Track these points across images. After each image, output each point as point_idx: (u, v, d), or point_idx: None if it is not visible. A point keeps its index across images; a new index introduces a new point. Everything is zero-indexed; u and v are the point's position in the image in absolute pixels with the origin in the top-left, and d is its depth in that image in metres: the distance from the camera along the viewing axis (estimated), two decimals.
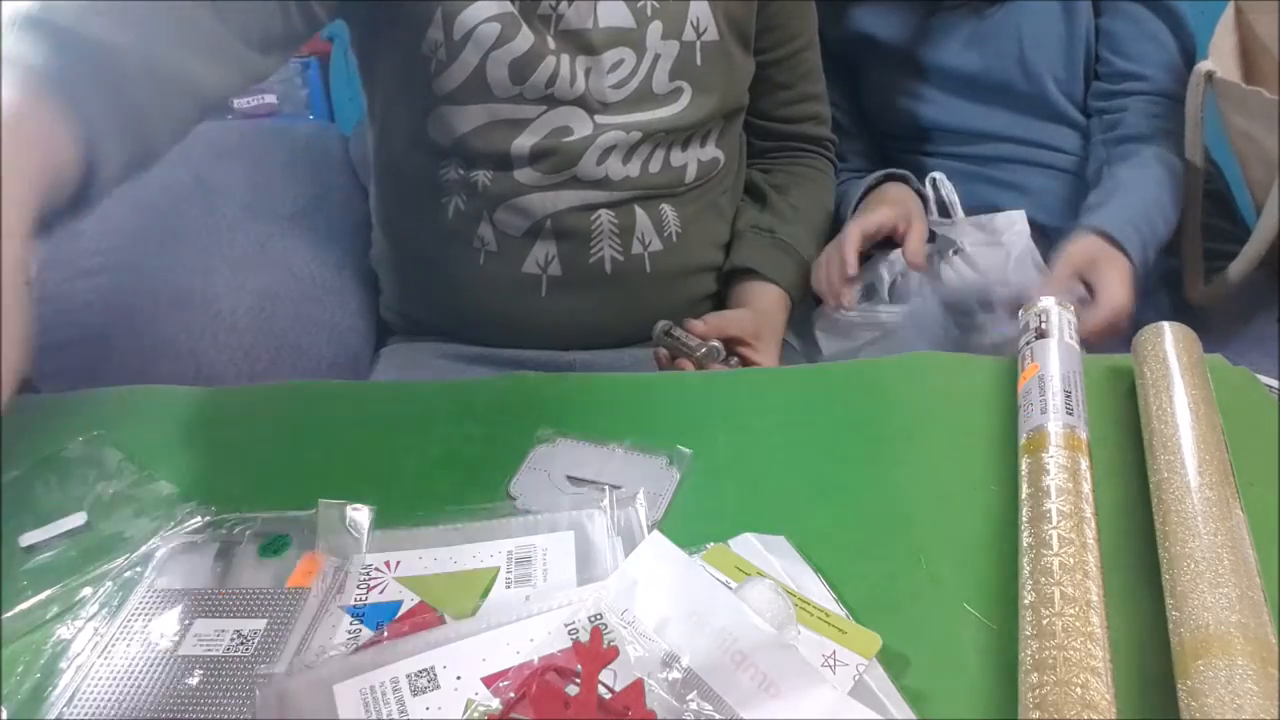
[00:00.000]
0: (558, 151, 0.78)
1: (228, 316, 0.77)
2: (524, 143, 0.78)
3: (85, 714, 0.38)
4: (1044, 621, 0.37)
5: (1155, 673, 0.38)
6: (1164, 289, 0.98)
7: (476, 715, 0.36)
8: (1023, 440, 0.50)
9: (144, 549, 0.46)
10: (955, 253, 0.97)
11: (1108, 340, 0.80)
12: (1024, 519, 0.44)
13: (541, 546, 0.46)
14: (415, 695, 0.37)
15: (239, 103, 1.57)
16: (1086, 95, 1.00)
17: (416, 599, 0.43)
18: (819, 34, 0.93)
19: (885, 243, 0.92)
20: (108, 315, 0.75)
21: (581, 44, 0.77)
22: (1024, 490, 0.46)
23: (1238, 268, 0.87)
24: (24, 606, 0.43)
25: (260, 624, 0.42)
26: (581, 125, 0.78)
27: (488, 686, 0.38)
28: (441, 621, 0.41)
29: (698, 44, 0.80)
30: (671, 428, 0.55)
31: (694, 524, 0.47)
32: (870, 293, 0.92)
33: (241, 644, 0.41)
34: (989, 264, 0.96)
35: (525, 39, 0.74)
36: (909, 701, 0.38)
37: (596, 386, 0.62)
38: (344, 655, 0.39)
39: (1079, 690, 0.34)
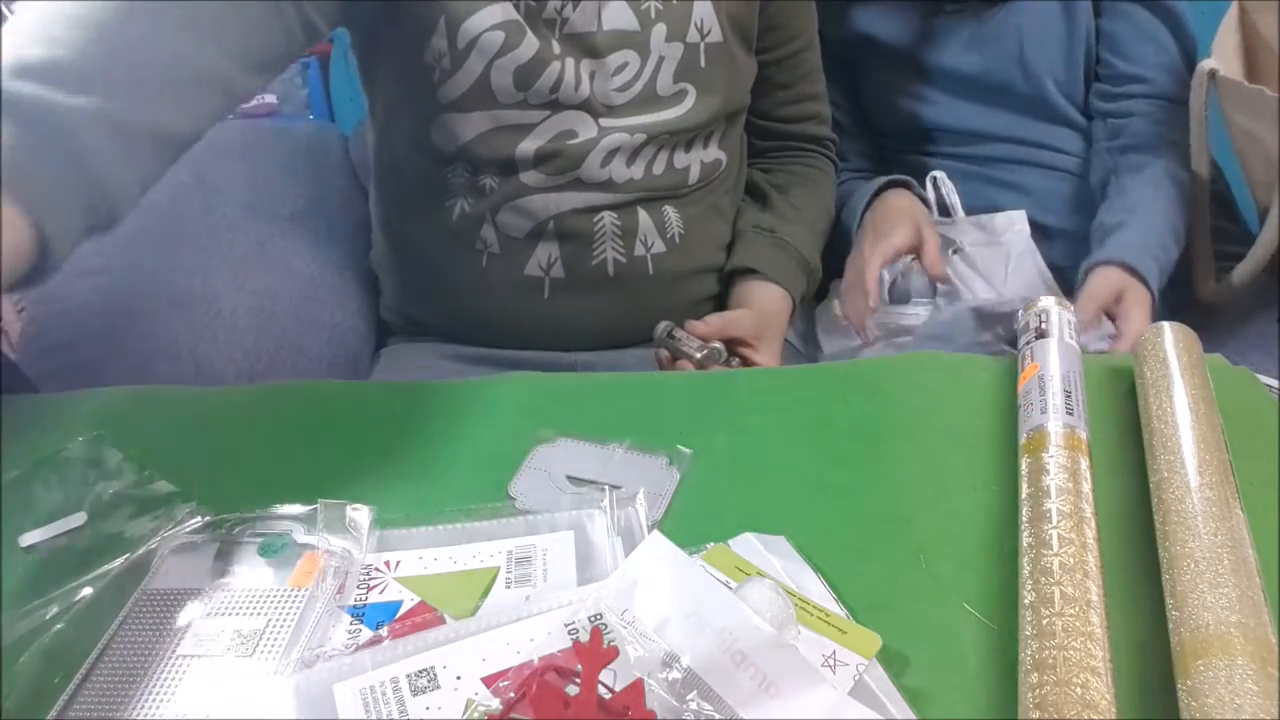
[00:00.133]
0: (562, 154, 0.78)
1: (228, 316, 0.77)
2: (528, 147, 0.77)
3: (85, 714, 0.38)
4: (1044, 621, 0.37)
5: (1155, 673, 0.38)
6: (1164, 289, 0.98)
7: (476, 715, 0.36)
8: (1023, 440, 0.50)
9: (144, 549, 0.46)
10: (955, 252, 0.97)
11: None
12: (1024, 519, 0.44)
13: (541, 546, 0.46)
14: (415, 695, 0.37)
15: None
16: (1087, 96, 1.00)
17: (416, 599, 0.43)
18: (819, 34, 0.93)
19: None
20: (108, 315, 0.75)
21: (586, 47, 0.76)
22: (1024, 490, 0.46)
23: (1245, 269, 0.87)
24: (24, 607, 0.43)
25: (260, 624, 0.42)
26: (586, 128, 0.78)
27: (488, 686, 0.38)
28: (441, 621, 0.41)
29: (701, 46, 0.80)
30: (671, 428, 0.55)
31: (694, 524, 0.47)
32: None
33: (241, 644, 0.41)
34: (989, 263, 0.96)
35: (530, 45, 0.74)
36: (909, 701, 0.38)
37: (597, 386, 0.61)
38: (344, 655, 0.39)
39: (1079, 690, 0.34)
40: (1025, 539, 0.43)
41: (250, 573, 0.45)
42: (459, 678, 0.38)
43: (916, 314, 0.95)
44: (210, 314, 0.77)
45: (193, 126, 0.56)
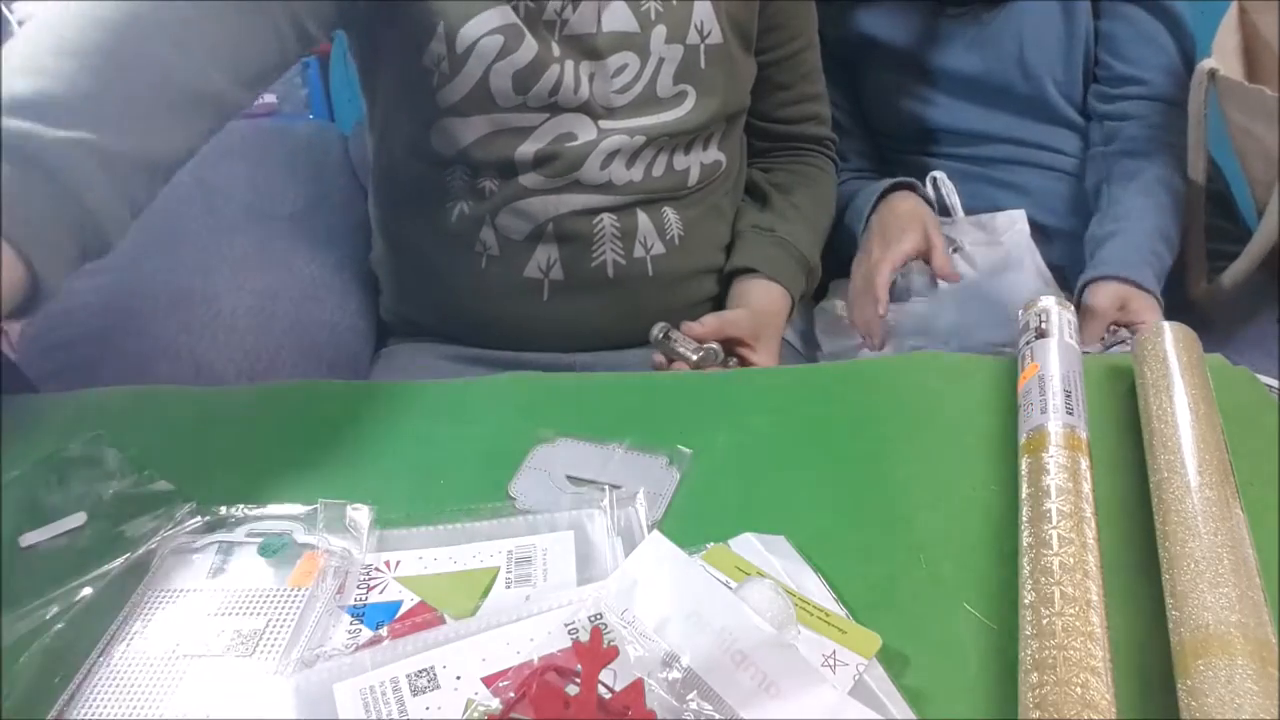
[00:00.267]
0: (561, 157, 0.78)
1: (228, 316, 0.77)
2: (528, 149, 0.77)
3: (85, 714, 0.38)
4: (1044, 621, 0.37)
5: (1155, 673, 0.38)
6: (1164, 289, 0.98)
7: (476, 715, 0.36)
8: (1023, 440, 0.50)
9: (144, 549, 0.46)
10: (955, 251, 0.97)
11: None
12: (1024, 518, 0.44)
13: (541, 546, 0.46)
14: (415, 695, 0.37)
15: None
16: (1086, 97, 1.01)
17: (416, 599, 0.43)
18: (820, 34, 0.93)
19: None
20: (108, 315, 0.75)
21: (586, 49, 0.76)
22: (1024, 490, 0.46)
23: (1240, 267, 0.87)
24: (24, 607, 0.43)
25: (260, 624, 0.42)
26: (585, 131, 0.78)
27: (488, 686, 0.38)
28: (441, 621, 0.41)
29: (701, 47, 0.80)
30: (671, 428, 0.55)
31: (694, 524, 0.47)
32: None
33: (241, 644, 0.41)
34: (989, 263, 0.96)
35: (529, 49, 0.74)
36: (909, 701, 0.38)
37: (596, 386, 0.61)
38: (344, 655, 0.39)
39: (1079, 690, 0.34)
40: (1025, 539, 0.43)
41: (250, 572, 0.45)
42: (459, 678, 0.38)
43: (918, 311, 0.95)
44: (210, 314, 0.77)
45: (185, 147, 0.57)
